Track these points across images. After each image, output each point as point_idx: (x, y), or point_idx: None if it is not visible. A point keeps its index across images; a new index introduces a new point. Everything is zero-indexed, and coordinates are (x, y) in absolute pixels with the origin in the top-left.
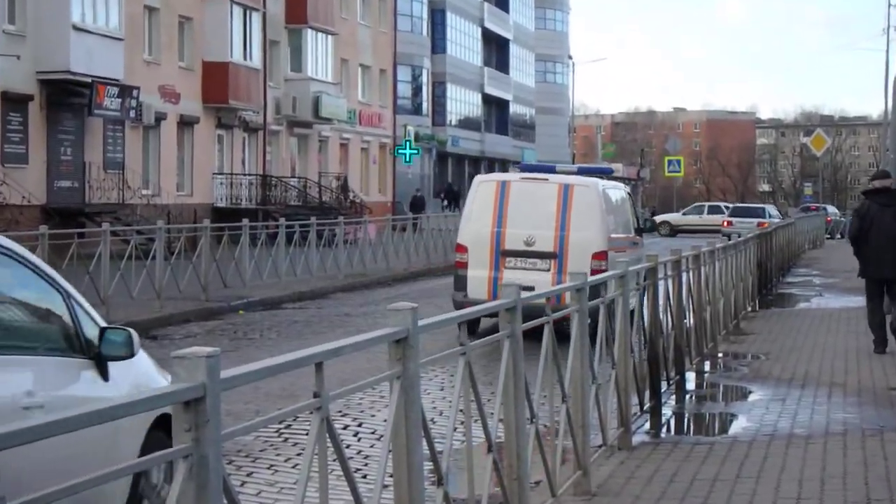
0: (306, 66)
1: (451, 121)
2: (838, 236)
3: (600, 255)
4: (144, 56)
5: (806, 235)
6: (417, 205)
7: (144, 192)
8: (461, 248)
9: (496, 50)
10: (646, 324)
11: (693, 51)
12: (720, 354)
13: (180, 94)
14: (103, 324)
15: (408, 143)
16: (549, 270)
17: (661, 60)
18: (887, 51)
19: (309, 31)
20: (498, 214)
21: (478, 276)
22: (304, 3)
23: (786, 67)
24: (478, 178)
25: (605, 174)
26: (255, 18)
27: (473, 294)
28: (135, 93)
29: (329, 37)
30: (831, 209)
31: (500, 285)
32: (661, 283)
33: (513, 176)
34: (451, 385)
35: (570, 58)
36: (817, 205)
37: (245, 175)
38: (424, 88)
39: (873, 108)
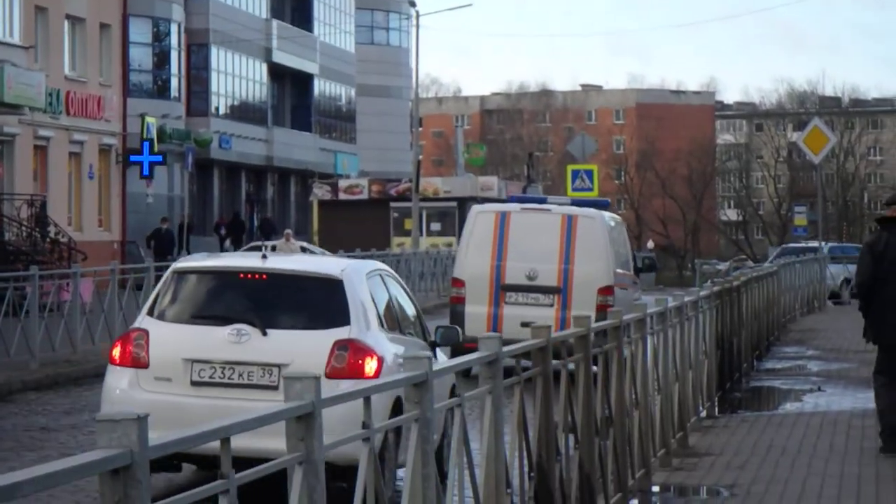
0: None
1: (218, 108)
2: (848, 293)
3: (606, 291)
4: None
5: (796, 293)
6: (162, 245)
7: None
8: (458, 283)
9: None
10: (531, 441)
11: None
12: (655, 489)
13: None
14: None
15: (147, 144)
16: (552, 306)
17: (562, 7)
18: None
19: None
20: (498, 247)
21: (476, 313)
22: None
23: (761, 21)
24: (475, 209)
25: (602, 207)
26: None
27: (471, 332)
28: None
29: None
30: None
31: (500, 322)
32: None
33: (513, 206)
34: None
35: (412, 5)
36: (815, 243)
37: None
38: (174, 56)
39: None
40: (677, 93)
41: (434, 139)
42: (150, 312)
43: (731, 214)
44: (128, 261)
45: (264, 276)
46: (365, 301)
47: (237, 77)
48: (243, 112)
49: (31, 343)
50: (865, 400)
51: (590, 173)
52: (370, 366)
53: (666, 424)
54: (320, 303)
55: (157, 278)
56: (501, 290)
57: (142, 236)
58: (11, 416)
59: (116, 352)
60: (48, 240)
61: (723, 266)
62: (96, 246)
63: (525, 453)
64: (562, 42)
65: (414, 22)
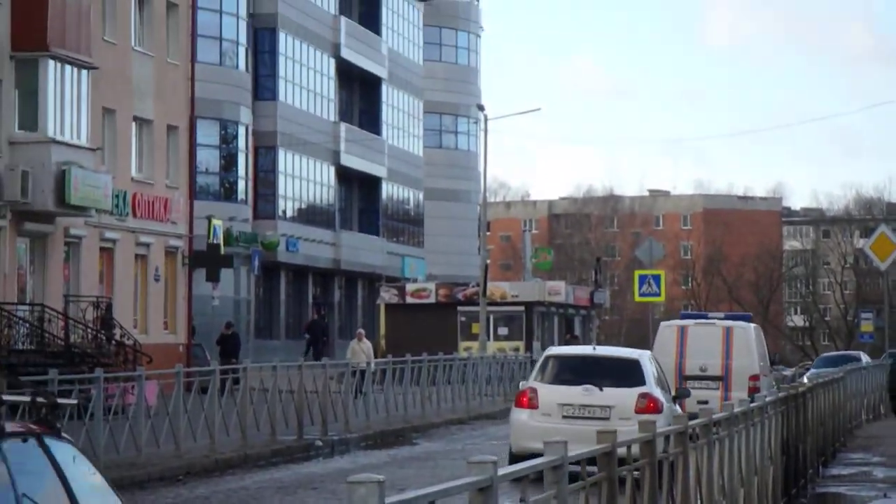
0: (45, 121)
1: (285, 211)
2: None
3: (755, 377)
4: None
5: (861, 399)
6: (229, 347)
7: None
8: None
9: (361, 95)
10: None
11: (681, 99)
12: None
13: None
14: None
15: (215, 247)
16: (717, 389)
17: (628, 114)
18: None
19: (50, 62)
20: (680, 349)
21: None
22: (42, 18)
23: (828, 127)
24: (663, 325)
25: (747, 320)
26: None
27: None
28: None
29: (84, 71)
30: None
31: (683, 402)
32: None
33: (688, 322)
34: None
35: (481, 109)
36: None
37: None
38: (242, 158)
39: None
40: (744, 198)
41: (502, 243)
42: (536, 379)
43: (798, 320)
44: (193, 364)
45: (598, 358)
46: (650, 371)
47: (305, 180)
48: (311, 215)
49: (96, 445)
50: None
51: (657, 278)
52: (657, 406)
53: None
54: (628, 372)
55: (223, 381)
56: (683, 379)
57: (207, 339)
58: None
59: (520, 400)
60: (113, 342)
61: (789, 372)
62: (162, 349)
63: None
64: (628, 148)
65: (482, 126)
